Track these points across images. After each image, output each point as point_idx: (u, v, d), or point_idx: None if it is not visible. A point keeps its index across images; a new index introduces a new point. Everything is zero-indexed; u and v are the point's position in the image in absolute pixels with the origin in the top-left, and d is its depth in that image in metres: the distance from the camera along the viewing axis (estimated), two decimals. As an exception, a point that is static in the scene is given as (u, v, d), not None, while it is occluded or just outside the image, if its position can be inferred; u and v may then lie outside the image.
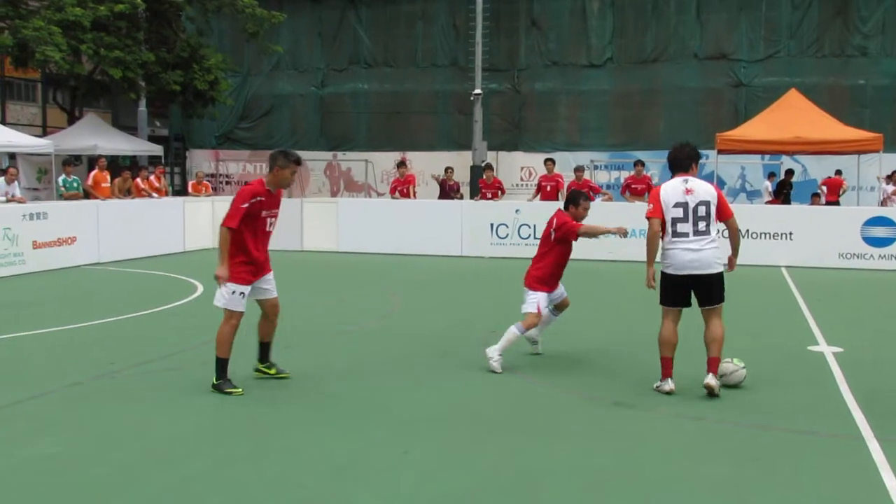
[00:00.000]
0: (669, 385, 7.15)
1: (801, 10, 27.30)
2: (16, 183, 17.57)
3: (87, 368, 8.04)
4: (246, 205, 7.11)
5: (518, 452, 5.69)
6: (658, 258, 7.23)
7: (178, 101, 28.86)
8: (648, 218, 7.15)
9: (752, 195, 26.64)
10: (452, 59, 30.22)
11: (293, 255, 18.74)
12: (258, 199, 7.18)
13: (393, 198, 20.06)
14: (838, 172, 23.73)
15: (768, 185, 24.89)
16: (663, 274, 7.13)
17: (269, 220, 7.38)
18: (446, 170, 21.37)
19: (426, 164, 25.36)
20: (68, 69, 25.33)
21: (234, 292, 7.15)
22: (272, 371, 7.75)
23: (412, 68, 30.87)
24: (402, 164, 20.75)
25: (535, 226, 18.07)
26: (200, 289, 13.30)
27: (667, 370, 7.18)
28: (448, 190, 20.88)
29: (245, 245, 7.18)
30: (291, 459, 5.55)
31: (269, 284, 7.53)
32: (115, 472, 5.32)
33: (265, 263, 7.44)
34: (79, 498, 4.95)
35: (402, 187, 20.06)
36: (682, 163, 7.40)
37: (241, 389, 7.15)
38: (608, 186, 25.08)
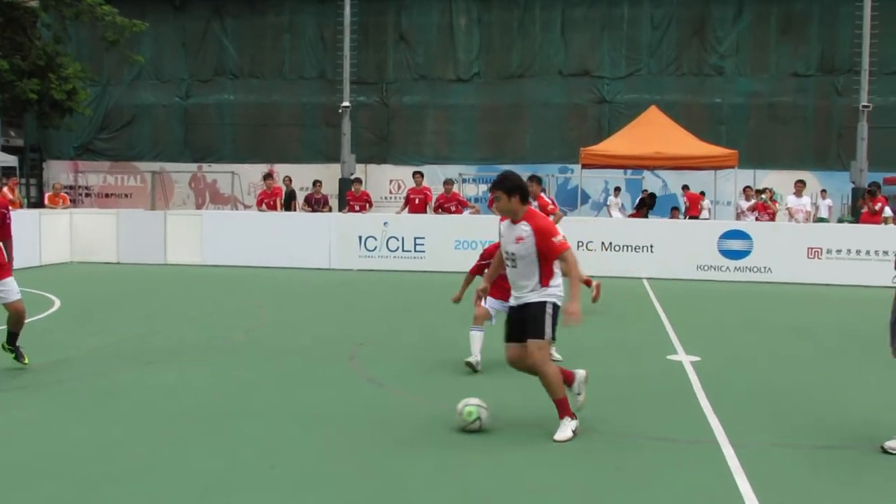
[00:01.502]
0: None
1: (660, 29, 28.45)
2: None
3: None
4: None
5: (385, 466, 5.70)
6: (553, 291, 6.36)
7: (33, 110, 27.70)
8: (566, 250, 6.16)
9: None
10: (320, 72, 30.13)
11: (156, 268, 18.24)
12: None
13: (260, 210, 19.80)
14: (685, 188, 24.78)
15: (615, 200, 25.77)
16: (557, 307, 6.34)
17: None
18: (314, 183, 21.27)
19: (294, 176, 25.11)
20: (-88, 75, 24.03)
21: None
22: (13, 356, 8.26)
23: (279, 80, 30.63)
24: (269, 177, 20.50)
25: (402, 238, 18.18)
26: (58, 303, 12.79)
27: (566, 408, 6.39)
28: (314, 203, 20.78)
29: None
30: (155, 480, 5.39)
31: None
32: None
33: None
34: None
35: (269, 199, 19.81)
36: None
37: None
38: (476, 200, 25.47)
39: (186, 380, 8.17)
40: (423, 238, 18.22)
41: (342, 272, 18.05)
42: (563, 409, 6.30)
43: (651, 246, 17.68)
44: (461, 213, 19.02)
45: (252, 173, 29.05)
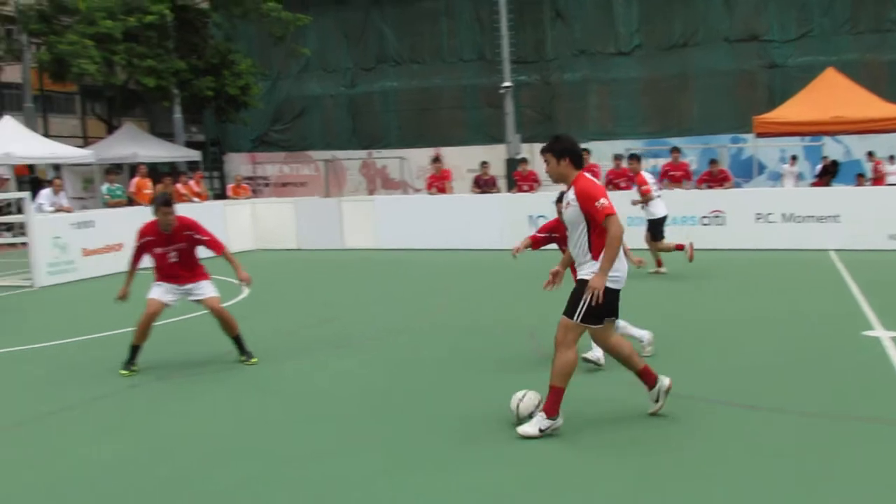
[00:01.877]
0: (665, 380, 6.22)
1: (833, -14, 27.03)
2: (62, 193, 17.89)
3: (142, 371, 8.23)
4: (137, 244, 8.50)
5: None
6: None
7: (211, 106, 29.15)
8: (611, 215, 5.64)
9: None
10: (479, 53, 30.26)
11: (335, 253, 18.90)
12: (146, 238, 8.40)
13: (430, 193, 20.15)
14: (870, 154, 23.49)
15: (789, 168, 24.67)
16: (607, 290, 5.76)
17: (169, 253, 8.38)
18: (482, 164, 21.44)
19: (460, 158, 25.42)
20: (103, 80, 25.70)
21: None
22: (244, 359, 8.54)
23: (439, 64, 30.94)
24: (436, 160, 20.84)
25: (573, 216, 18.08)
26: (245, 290, 13.46)
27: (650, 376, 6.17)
28: (483, 184, 20.96)
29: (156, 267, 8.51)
30: (348, 457, 5.64)
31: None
32: (174, 472, 5.46)
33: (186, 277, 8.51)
34: (140, 500, 5.08)
35: (438, 182, 20.15)
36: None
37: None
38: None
39: (374, 361, 8.47)
40: (594, 215, 18.06)
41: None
42: (552, 403, 5.80)
43: (837, 215, 16.79)
44: (630, 189, 18.75)
45: (419, 157, 29.54)
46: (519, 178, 19.95)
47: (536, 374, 7.62)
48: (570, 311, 5.81)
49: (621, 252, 5.80)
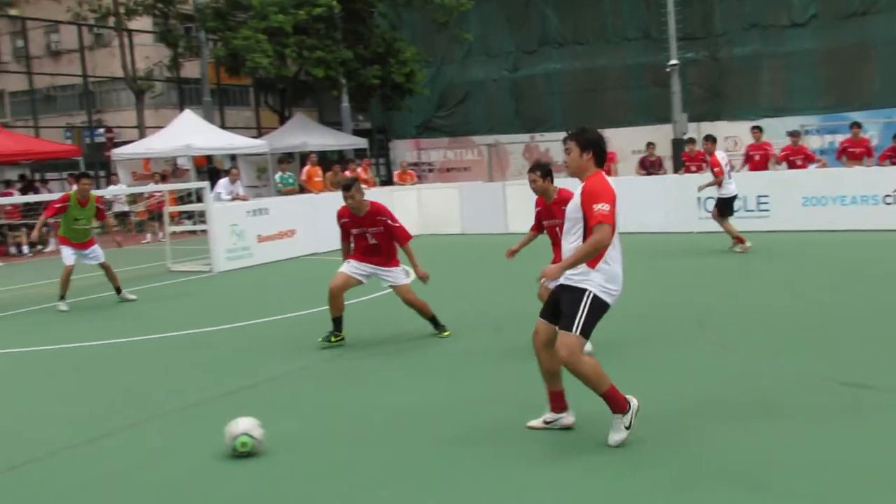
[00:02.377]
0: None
1: None
2: (238, 182, 18.75)
3: (316, 352, 8.52)
4: (339, 225, 8.97)
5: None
6: (596, 279, 5.31)
7: (377, 94, 29.82)
8: (603, 223, 5.13)
9: None
10: (644, 31, 29.59)
11: (498, 238, 18.96)
12: (343, 220, 8.86)
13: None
14: None
15: None
16: (600, 302, 5.30)
17: (366, 234, 8.76)
18: (647, 145, 21.02)
19: (625, 140, 24.95)
20: (275, 73, 26.74)
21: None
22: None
23: (603, 44, 30.46)
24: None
25: (745, 198, 17.45)
26: (412, 274, 13.68)
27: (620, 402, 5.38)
28: (649, 166, 20.53)
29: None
30: (512, 441, 5.65)
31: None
32: (350, 449, 5.62)
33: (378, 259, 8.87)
34: (321, 477, 5.24)
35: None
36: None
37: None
38: (822, 152, 23.78)
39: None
40: (766, 196, 17.39)
41: (681, 235, 17.71)
42: (616, 403, 5.31)
43: None
44: (806, 167, 17.94)
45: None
46: (686, 159, 19.43)
47: (700, 361, 7.44)
48: (568, 325, 5.25)
49: (619, 269, 5.34)
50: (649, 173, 20.23)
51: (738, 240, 14.42)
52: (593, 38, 30.71)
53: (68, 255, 12.12)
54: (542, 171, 7.84)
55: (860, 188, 16.25)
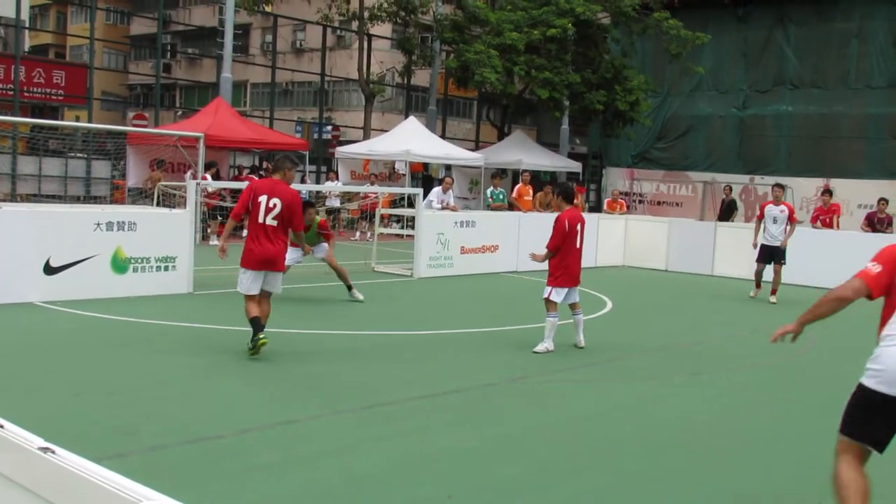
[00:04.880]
0: None
1: None
2: (450, 192, 19.20)
3: (500, 370, 8.64)
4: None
5: None
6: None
7: (598, 120, 29.74)
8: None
9: None
10: (891, 80, 27.92)
11: (702, 279, 18.46)
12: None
13: (814, 227, 18.99)
14: None
15: None
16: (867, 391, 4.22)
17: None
18: (879, 201, 19.82)
19: (853, 192, 23.66)
20: (501, 89, 27.23)
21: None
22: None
23: (843, 89, 29.00)
24: (825, 192, 19.59)
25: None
26: (609, 304, 13.60)
27: None
28: (877, 223, 19.35)
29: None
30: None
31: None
32: (526, 472, 5.67)
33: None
34: (489, 494, 5.32)
35: (825, 216, 18.93)
36: None
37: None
38: None
39: (720, 392, 8.22)
40: None
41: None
42: None
43: None
44: None
45: (806, 187, 27.93)
46: (918, 221, 18.21)
47: None
48: None
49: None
50: (876, 231, 19.05)
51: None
52: (833, 83, 29.30)
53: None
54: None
55: None
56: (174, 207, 16.68)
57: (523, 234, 17.74)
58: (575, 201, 9.65)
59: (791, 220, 15.21)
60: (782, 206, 15.21)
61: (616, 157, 33.86)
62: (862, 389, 4.18)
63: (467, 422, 6.77)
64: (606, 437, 6.58)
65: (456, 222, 17.03)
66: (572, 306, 9.64)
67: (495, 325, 11.29)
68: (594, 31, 29.16)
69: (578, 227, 9.39)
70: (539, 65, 26.70)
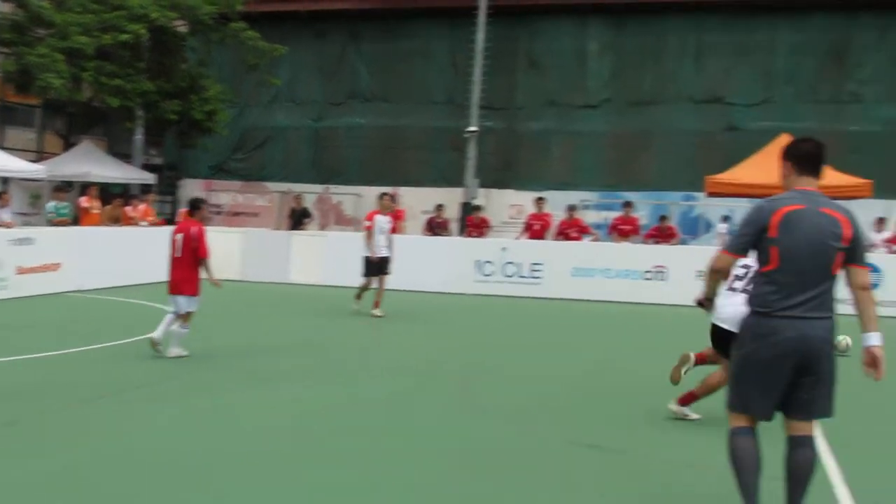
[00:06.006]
0: None
1: (798, 55, 27.50)
2: (7, 208, 17.65)
3: (66, 394, 8.07)
4: None
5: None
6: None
7: (173, 130, 29.00)
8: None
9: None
10: (449, 97, 30.32)
11: (279, 287, 18.72)
12: None
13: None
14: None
15: (722, 228, 24.70)
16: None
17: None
18: (437, 207, 21.46)
19: (416, 199, 25.36)
20: (67, 96, 25.53)
21: None
22: None
23: (410, 104, 30.99)
24: (384, 196, 20.78)
25: (521, 264, 18.12)
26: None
27: None
28: (436, 227, 20.95)
29: None
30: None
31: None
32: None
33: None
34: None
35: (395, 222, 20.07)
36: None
37: None
38: (597, 226, 25.07)
39: (309, 396, 8.36)
40: (540, 264, 18.12)
41: (457, 296, 18.10)
42: None
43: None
44: (581, 239, 18.85)
45: (376, 195, 29.35)
46: (470, 224, 20.00)
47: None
48: None
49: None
50: (436, 234, 20.64)
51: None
52: (400, 97, 31.18)
53: None
54: None
55: (625, 263, 17.21)
56: None
57: (88, 250, 16.80)
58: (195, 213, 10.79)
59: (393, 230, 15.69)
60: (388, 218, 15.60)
61: (193, 169, 33.13)
62: None
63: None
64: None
65: (10, 240, 15.64)
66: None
67: (53, 349, 10.50)
68: (171, 38, 28.34)
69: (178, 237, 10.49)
70: (110, 71, 25.36)
